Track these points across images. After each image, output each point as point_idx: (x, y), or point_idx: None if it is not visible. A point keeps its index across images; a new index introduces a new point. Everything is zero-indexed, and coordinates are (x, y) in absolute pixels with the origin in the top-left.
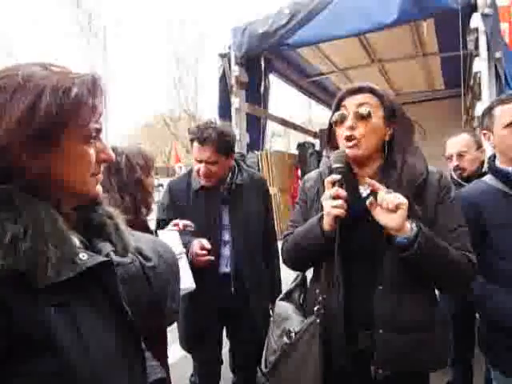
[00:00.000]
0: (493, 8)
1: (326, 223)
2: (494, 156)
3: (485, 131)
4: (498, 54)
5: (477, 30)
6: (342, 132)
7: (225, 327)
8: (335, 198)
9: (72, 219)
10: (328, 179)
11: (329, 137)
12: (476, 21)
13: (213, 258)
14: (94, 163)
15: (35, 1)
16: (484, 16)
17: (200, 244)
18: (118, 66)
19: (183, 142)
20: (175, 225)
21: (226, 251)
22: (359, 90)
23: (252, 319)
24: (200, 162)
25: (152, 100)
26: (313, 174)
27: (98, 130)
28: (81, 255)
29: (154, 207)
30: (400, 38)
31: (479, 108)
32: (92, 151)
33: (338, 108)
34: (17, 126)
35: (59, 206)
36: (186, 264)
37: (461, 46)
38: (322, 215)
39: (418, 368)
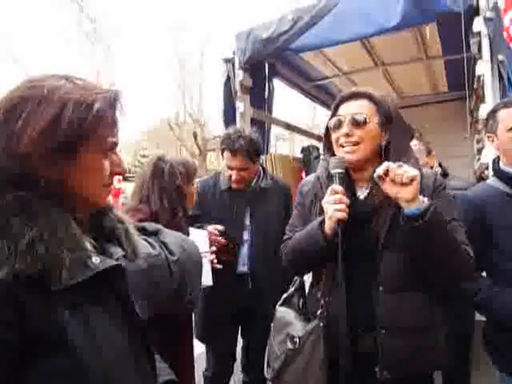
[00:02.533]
0: (495, 11)
1: (328, 227)
2: (499, 158)
3: (489, 134)
4: (500, 57)
5: (479, 33)
6: (337, 138)
7: (240, 325)
8: (338, 202)
9: (85, 224)
10: (331, 188)
11: (326, 141)
12: (478, 24)
13: (224, 240)
14: (107, 175)
15: (39, 7)
16: (486, 20)
17: (214, 227)
18: (122, 70)
19: (186, 146)
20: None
21: (245, 250)
22: (356, 96)
23: (265, 319)
24: (232, 168)
25: (156, 104)
26: (310, 177)
27: (115, 144)
28: (93, 259)
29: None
30: (403, 41)
31: (483, 110)
32: (107, 163)
33: (334, 113)
34: (39, 137)
35: (73, 212)
36: (207, 262)
37: (464, 48)
38: (323, 220)
39: (421, 369)
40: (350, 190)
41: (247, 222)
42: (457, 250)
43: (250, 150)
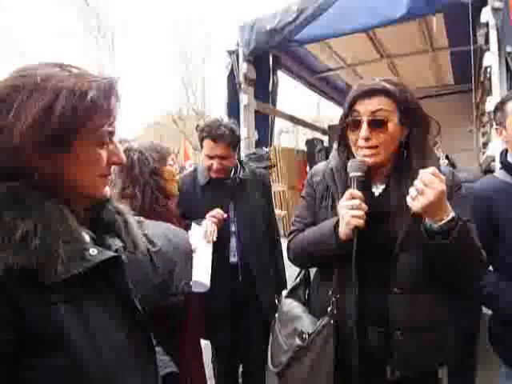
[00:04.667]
0: (503, 2)
1: (343, 233)
2: (506, 151)
3: (497, 126)
4: (508, 49)
5: (487, 24)
6: (355, 138)
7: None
8: (356, 208)
9: (82, 216)
10: (349, 193)
11: (341, 136)
12: (486, 15)
13: (226, 215)
14: (104, 165)
15: (43, 1)
16: (494, 10)
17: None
18: (125, 65)
19: (191, 140)
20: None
21: (233, 242)
22: (373, 93)
23: (259, 308)
24: (212, 157)
25: (160, 99)
26: (320, 167)
27: (111, 133)
28: (91, 251)
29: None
30: (409, 32)
31: (490, 103)
32: (104, 153)
33: (350, 110)
34: (32, 126)
35: (70, 203)
36: (207, 259)
37: (471, 40)
38: (337, 222)
39: (432, 367)
40: (367, 187)
41: (232, 214)
42: (477, 257)
43: (231, 137)
